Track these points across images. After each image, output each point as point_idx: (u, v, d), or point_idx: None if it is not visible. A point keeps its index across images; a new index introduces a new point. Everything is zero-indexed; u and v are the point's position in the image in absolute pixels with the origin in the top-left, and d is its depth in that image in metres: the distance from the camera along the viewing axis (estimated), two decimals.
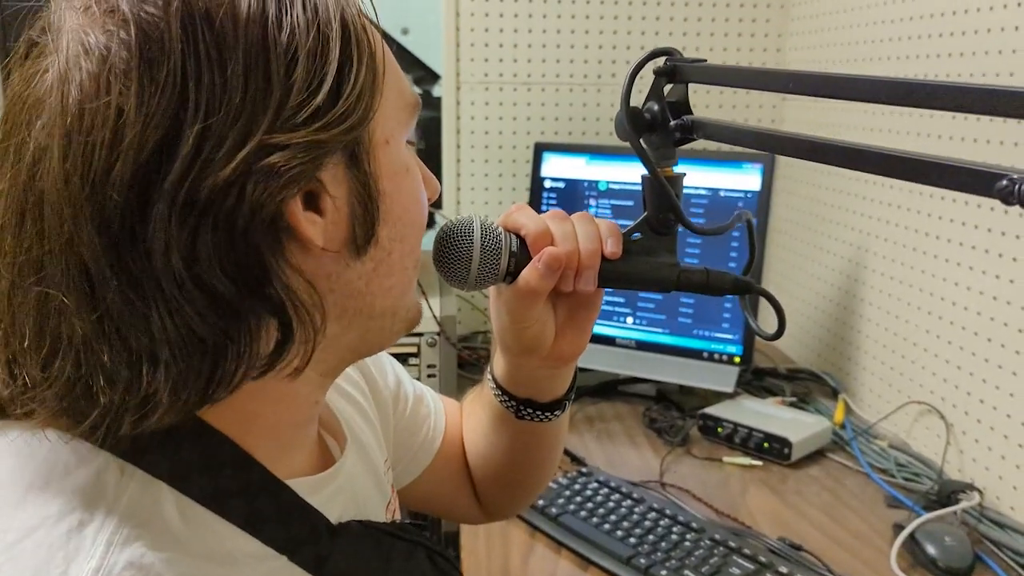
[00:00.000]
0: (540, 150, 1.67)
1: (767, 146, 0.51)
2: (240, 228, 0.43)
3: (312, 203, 0.48)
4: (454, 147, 1.84)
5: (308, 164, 0.45)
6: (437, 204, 1.88)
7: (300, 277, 0.48)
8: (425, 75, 1.89)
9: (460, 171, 1.85)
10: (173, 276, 0.43)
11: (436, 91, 1.88)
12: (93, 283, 0.43)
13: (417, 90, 1.88)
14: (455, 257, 0.61)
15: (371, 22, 0.52)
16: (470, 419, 0.85)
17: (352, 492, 0.61)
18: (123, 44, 0.42)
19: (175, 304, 0.43)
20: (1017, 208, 0.36)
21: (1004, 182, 0.36)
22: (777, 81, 0.49)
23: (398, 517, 0.71)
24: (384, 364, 0.81)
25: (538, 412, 0.74)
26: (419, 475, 0.82)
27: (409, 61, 1.87)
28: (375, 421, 0.74)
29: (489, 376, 0.76)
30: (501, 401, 0.74)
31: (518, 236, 0.62)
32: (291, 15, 0.45)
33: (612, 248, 0.62)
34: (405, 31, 1.86)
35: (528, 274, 0.61)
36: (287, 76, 0.44)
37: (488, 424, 0.79)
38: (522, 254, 0.62)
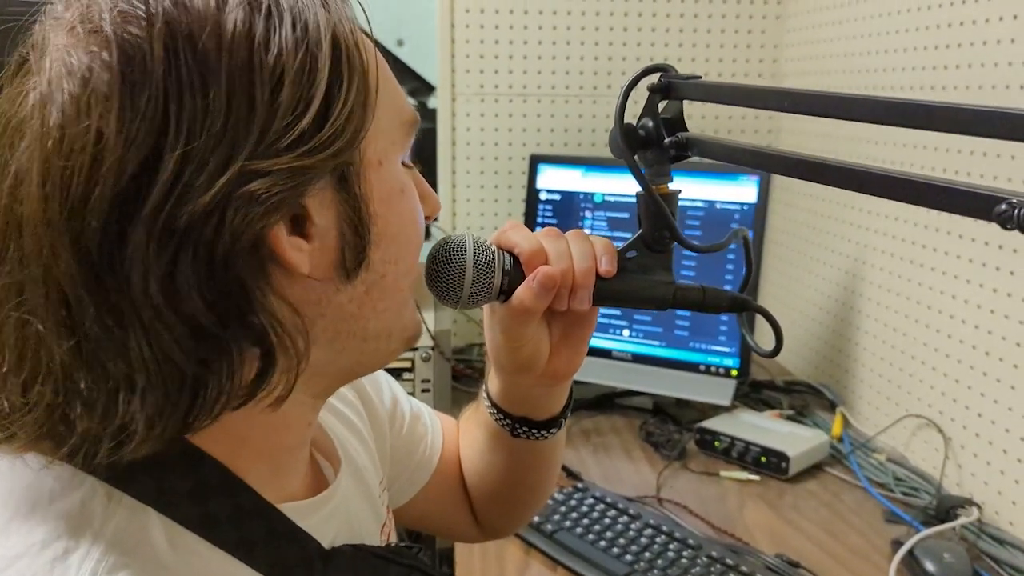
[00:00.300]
0: (535, 162, 1.66)
1: (762, 164, 0.51)
2: (220, 256, 0.42)
3: (299, 227, 0.46)
4: (449, 159, 1.83)
5: (291, 191, 0.44)
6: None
7: (285, 304, 0.46)
8: (420, 86, 1.88)
9: (456, 183, 1.85)
10: (151, 303, 0.42)
11: (431, 102, 1.88)
12: (71, 309, 0.42)
13: (413, 101, 1.88)
14: (447, 276, 0.60)
15: (367, 35, 0.51)
16: (466, 437, 0.84)
17: (346, 515, 0.60)
18: (105, 66, 0.41)
19: (153, 332, 0.42)
20: None
21: (1003, 206, 0.35)
22: (772, 99, 0.49)
23: (394, 539, 0.70)
24: (380, 383, 0.80)
25: (534, 430, 0.73)
26: (416, 494, 0.81)
27: (404, 72, 1.87)
28: (370, 441, 0.72)
29: (484, 394, 0.75)
30: (496, 419, 0.73)
31: (512, 254, 0.62)
32: (279, 35, 0.43)
33: (607, 266, 0.62)
34: (400, 42, 1.86)
35: (522, 293, 0.60)
36: (272, 99, 0.43)
37: (484, 442, 0.78)
38: (516, 272, 0.61)
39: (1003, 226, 0.36)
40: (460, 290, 0.60)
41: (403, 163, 0.54)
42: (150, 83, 0.41)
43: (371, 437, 0.73)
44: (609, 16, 1.80)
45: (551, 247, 0.61)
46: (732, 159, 0.53)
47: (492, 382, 0.73)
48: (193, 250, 0.42)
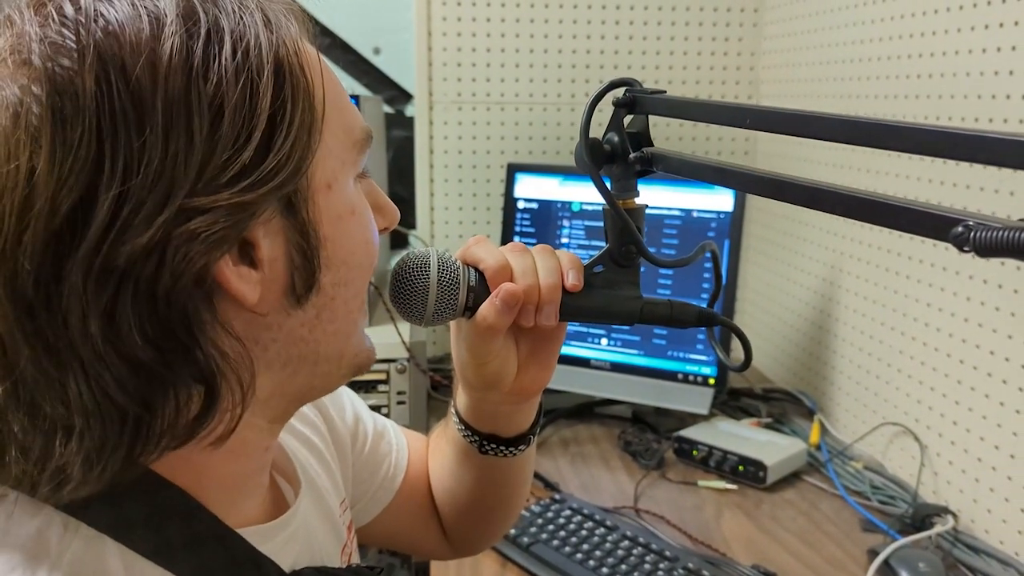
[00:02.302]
0: (513, 170, 1.66)
1: (726, 181, 0.50)
2: (163, 294, 0.41)
3: (246, 257, 0.45)
4: (427, 167, 1.82)
5: (233, 226, 0.42)
6: (411, 224, 1.87)
7: (231, 336, 0.45)
8: (397, 95, 1.87)
9: (433, 191, 1.84)
10: (91, 344, 0.41)
11: (409, 111, 1.87)
12: (6, 349, 0.41)
13: (389, 109, 1.87)
14: (411, 293, 0.59)
15: (315, 49, 0.49)
16: (436, 454, 0.83)
17: (306, 537, 0.59)
18: (36, 100, 0.39)
19: (93, 372, 0.41)
20: None
21: (959, 228, 0.35)
22: (735, 116, 0.48)
23: (356, 560, 0.69)
24: (343, 402, 0.79)
25: (502, 447, 0.72)
26: (380, 512, 0.80)
27: (381, 81, 1.86)
28: (331, 461, 0.72)
29: (452, 411, 0.74)
30: (464, 436, 0.73)
31: (477, 270, 0.61)
32: (218, 62, 0.42)
33: (573, 281, 0.61)
34: (377, 51, 1.85)
35: (486, 310, 0.60)
36: (211, 132, 0.41)
37: (453, 459, 0.77)
38: (481, 288, 0.60)
39: (959, 248, 0.36)
40: (424, 307, 0.59)
41: (359, 178, 0.53)
42: (83, 119, 0.39)
43: (333, 456, 0.72)
44: (587, 24, 1.80)
45: (516, 263, 0.60)
46: (696, 175, 0.53)
47: (460, 398, 0.72)
48: (133, 289, 0.41)
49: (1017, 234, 0.35)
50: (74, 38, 0.40)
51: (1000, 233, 0.35)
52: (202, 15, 0.42)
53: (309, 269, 0.48)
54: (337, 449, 0.74)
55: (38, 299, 0.40)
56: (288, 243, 0.47)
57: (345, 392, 0.80)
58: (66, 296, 0.40)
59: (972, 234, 0.34)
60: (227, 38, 0.42)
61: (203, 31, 0.42)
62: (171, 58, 0.41)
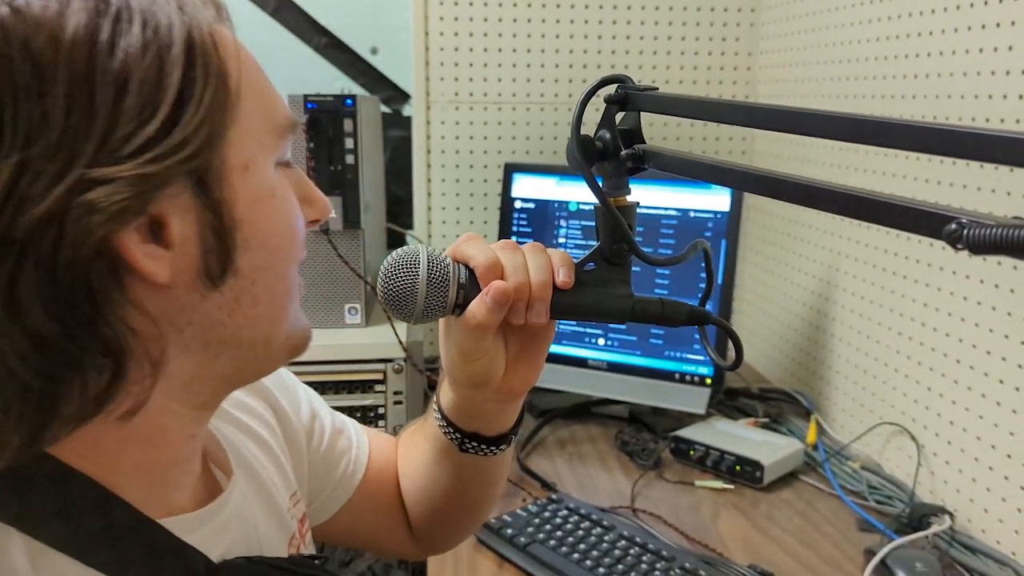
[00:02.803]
0: (510, 170, 1.65)
1: (719, 179, 0.50)
2: (63, 266, 0.41)
3: (156, 234, 0.45)
4: (424, 167, 1.82)
5: (135, 198, 0.42)
6: (408, 224, 1.86)
7: (141, 313, 0.45)
8: (395, 94, 1.87)
9: (431, 190, 1.83)
10: None
11: (406, 110, 1.87)
12: None
13: (386, 109, 1.86)
14: (400, 290, 0.59)
15: (233, 36, 0.50)
16: (411, 451, 0.83)
17: (242, 527, 0.58)
18: None
19: None
20: None
21: (953, 226, 0.35)
22: (727, 113, 0.48)
23: (309, 551, 0.69)
24: (299, 397, 0.78)
25: (483, 446, 0.72)
26: (339, 510, 0.80)
27: (378, 80, 1.86)
28: (281, 454, 0.71)
29: (435, 407, 0.74)
30: (446, 433, 0.72)
31: (468, 267, 0.61)
32: (126, 38, 0.42)
33: (563, 278, 0.61)
34: (374, 50, 1.84)
35: (475, 307, 0.59)
36: (115, 104, 0.42)
37: (430, 456, 0.77)
38: (471, 286, 0.60)
39: (953, 246, 0.36)
40: (413, 304, 0.59)
41: (281, 164, 0.53)
42: None
43: (283, 449, 0.72)
44: (584, 24, 1.80)
45: (507, 260, 0.60)
46: (688, 172, 0.52)
47: (445, 395, 0.72)
48: (34, 261, 0.41)
49: (1010, 232, 0.34)
50: None
51: (993, 231, 0.35)
52: None
53: (223, 250, 0.48)
54: (289, 443, 0.73)
55: None
56: (200, 223, 0.47)
57: (302, 388, 0.80)
58: None
59: (965, 231, 0.34)
60: (136, 17, 0.43)
61: (112, 10, 0.43)
62: (76, 32, 0.42)
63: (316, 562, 0.62)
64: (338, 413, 0.84)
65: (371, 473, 0.82)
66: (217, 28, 0.48)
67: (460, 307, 0.60)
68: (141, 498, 0.50)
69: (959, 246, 0.34)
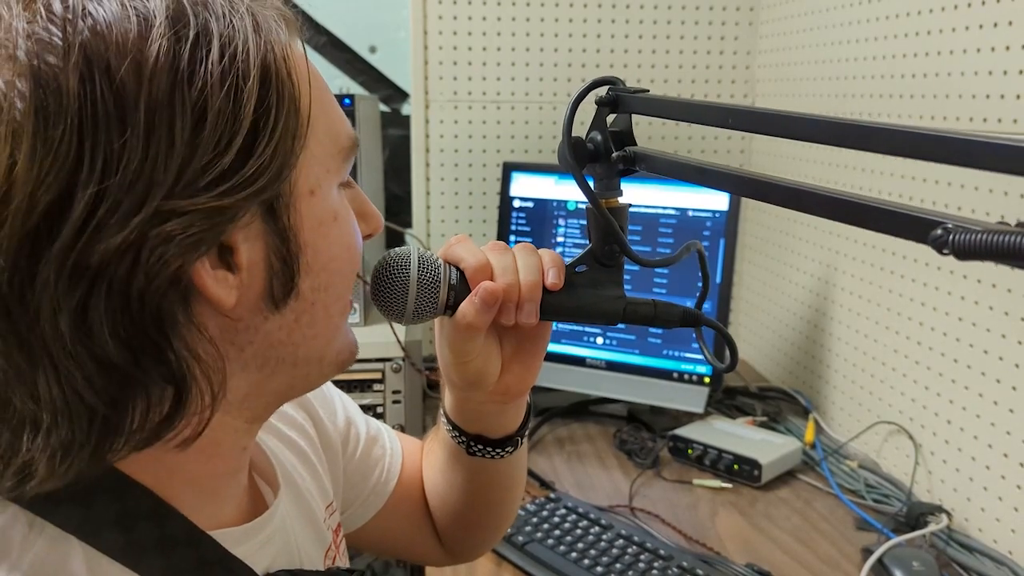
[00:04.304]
0: (508, 170, 1.65)
1: (709, 182, 0.50)
2: (136, 294, 0.41)
3: (224, 260, 0.45)
4: (423, 165, 1.82)
5: (210, 230, 0.42)
6: (407, 223, 1.86)
7: (204, 338, 0.45)
8: (393, 93, 1.87)
9: (429, 189, 1.84)
10: (62, 341, 0.41)
11: (405, 109, 1.87)
12: None
13: (385, 108, 1.86)
14: (391, 291, 0.59)
15: (303, 53, 0.49)
16: (428, 457, 0.83)
17: (284, 540, 0.59)
18: (20, 96, 0.39)
19: (64, 370, 0.41)
20: None
21: (939, 231, 0.35)
22: (715, 116, 0.48)
23: (344, 563, 0.69)
24: (335, 405, 0.78)
25: (488, 448, 0.72)
26: (373, 517, 0.80)
27: (377, 79, 1.86)
28: (318, 464, 0.71)
29: (442, 411, 0.74)
30: (453, 437, 0.73)
31: (459, 269, 0.61)
32: (205, 66, 0.42)
33: (553, 279, 0.61)
34: (373, 49, 1.84)
35: (465, 308, 0.60)
36: (193, 136, 0.41)
37: (444, 461, 0.77)
38: (462, 287, 0.60)
39: (938, 251, 0.36)
40: (404, 305, 0.59)
41: (342, 184, 0.53)
42: (65, 117, 0.39)
43: (320, 459, 0.72)
44: (582, 24, 1.80)
45: (497, 261, 0.60)
46: (677, 175, 0.52)
47: (446, 398, 0.72)
48: (107, 289, 0.41)
49: (995, 237, 0.34)
50: (60, 35, 0.40)
51: (979, 236, 0.35)
52: (192, 18, 0.42)
53: (288, 274, 0.48)
54: (326, 452, 0.74)
55: (12, 295, 0.40)
56: (268, 248, 0.47)
57: (338, 395, 0.80)
58: (38, 292, 0.40)
59: (951, 237, 0.34)
60: (215, 42, 0.42)
61: (191, 34, 0.42)
62: (157, 61, 0.41)
63: (349, 574, 0.63)
64: (372, 419, 0.84)
65: (403, 481, 0.82)
66: (291, 48, 0.47)
67: (451, 308, 0.60)
68: (193, 510, 0.50)
69: (944, 251, 0.34)
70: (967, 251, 0.35)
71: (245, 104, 0.43)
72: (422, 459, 0.85)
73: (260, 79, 0.44)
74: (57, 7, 0.41)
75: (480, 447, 0.72)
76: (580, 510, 1.18)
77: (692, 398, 1.49)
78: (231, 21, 0.44)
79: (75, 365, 0.41)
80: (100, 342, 0.41)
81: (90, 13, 0.41)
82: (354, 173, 1.56)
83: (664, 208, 1.50)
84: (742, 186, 0.48)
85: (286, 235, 0.47)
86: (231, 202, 0.43)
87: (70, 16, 0.40)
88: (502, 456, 0.72)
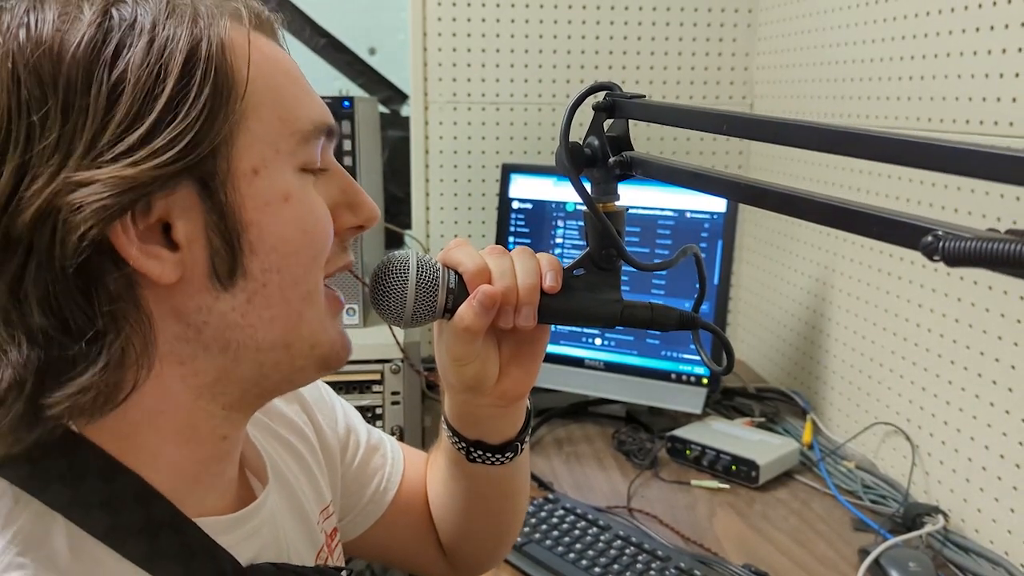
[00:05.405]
0: (508, 171, 1.66)
1: (704, 187, 0.51)
2: (60, 264, 0.45)
3: (164, 236, 0.48)
4: (422, 167, 1.82)
5: (118, 198, 0.44)
6: (406, 224, 1.87)
7: (135, 308, 0.48)
8: (393, 95, 1.88)
9: (429, 191, 1.84)
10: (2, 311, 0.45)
11: (404, 111, 1.87)
12: None
13: (384, 109, 1.87)
14: (390, 294, 0.59)
15: (260, 44, 0.50)
16: (432, 468, 0.83)
17: (273, 535, 0.60)
18: None
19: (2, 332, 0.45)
20: None
21: (929, 238, 0.35)
22: (710, 122, 0.49)
23: (339, 564, 0.70)
24: (336, 413, 0.79)
25: (488, 454, 0.72)
26: (371, 526, 0.80)
27: (377, 81, 1.86)
28: (315, 467, 0.72)
29: (443, 416, 0.74)
30: (453, 443, 0.73)
31: (457, 272, 0.61)
32: (129, 52, 0.45)
33: (551, 283, 0.61)
34: (372, 51, 1.85)
35: (463, 311, 0.60)
36: (106, 111, 0.45)
37: (446, 469, 0.77)
38: (460, 290, 0.61)
39: (929, 258, 0.36)
40: (403, 308, 0.59)
41: (312, 169, 0.53)
42: None
43: (320, 464, 0.73)
44: (581, 25, 1.80)
45: (495, 265, 0.61)
46: (672, 179, 0.53)
47: (446, 402, 0.72)
48: (37, 259, 0.45)
49: (985, 244, 0.35)
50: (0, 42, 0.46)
51: (968, 243, 0.35)
52: (124, 9, 0.46)
53: (230, 252, 0.49)
54: (325, 458, 0.74)
55: None
56: (206, 225, 0.48)
57: (339, 403, 0.81)
58: None
59: (941, 244, 0.35)
60: (144, 35, 0.46)
61: (123, 26, 0.46)
62: (77, 47, 0.45)
63: (342, 574, 0.63)
64: (376, 430, 0.84)
65: (404, 491, 0.82)
66: (232, 36, 0.49)
67: (449, 311, 0.61)
68: (177, 495, 0.51)
69: (935, 258, 0.35)
70: (957, 258, 0.36)
71: (162, 83, 0.45)
72: (426, 471, 0.85)
73: (184, 62, 0.46)
74: (4, 19, 0.46)
75: (480, 452, 0.72)
76: (578, 511, 1.19)
77: (690, 399, 1.49)
78: (165, 13, 0.47)
79: (15, 332, 0.45)
80: (30, 309, 0.45)
81: (27, 24, 0.45)
82: (354, 175, 1.56)
83: (662, 209, 1.50)
84: (738, 192, 0.49)
85: (223, 212, 0.48)
86: (140, 171, 0.45)
87: (11, 26, 0.46)
88: (502, 462, 0.72)
